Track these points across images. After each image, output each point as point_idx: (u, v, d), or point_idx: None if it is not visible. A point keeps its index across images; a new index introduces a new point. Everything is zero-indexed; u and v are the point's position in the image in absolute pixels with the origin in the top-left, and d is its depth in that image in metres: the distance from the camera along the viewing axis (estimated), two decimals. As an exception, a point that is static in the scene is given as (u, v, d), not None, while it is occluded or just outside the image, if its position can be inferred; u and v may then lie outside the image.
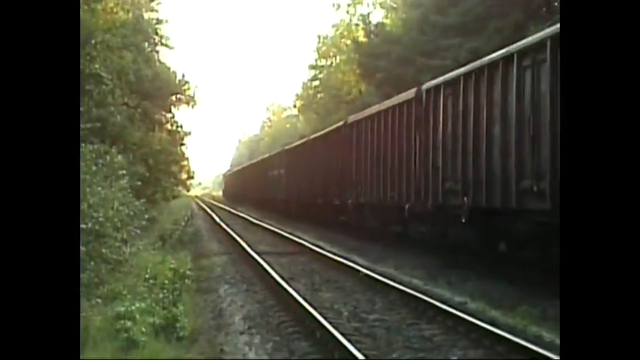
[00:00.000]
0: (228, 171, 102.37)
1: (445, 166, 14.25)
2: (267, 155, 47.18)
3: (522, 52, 11.32)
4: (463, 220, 13.21)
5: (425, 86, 15.91)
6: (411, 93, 16.95)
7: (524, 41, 11.69)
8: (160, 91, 28.07)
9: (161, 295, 9.75)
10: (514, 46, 11.77)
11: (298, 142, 34.71)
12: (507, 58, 11.76)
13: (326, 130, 28.01)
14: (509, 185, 11.51)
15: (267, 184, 42.13)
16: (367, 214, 20.67)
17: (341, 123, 24.88)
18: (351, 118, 23.24)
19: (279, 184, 37.41)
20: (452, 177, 13.93)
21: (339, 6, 47.58)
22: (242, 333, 8.73)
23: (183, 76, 31.76)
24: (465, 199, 13.13)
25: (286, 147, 37.72)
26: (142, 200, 17.01)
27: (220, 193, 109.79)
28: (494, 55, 12.47)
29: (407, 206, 16.45)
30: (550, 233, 10.08)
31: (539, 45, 10.75)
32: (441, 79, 14.98)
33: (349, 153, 22.28)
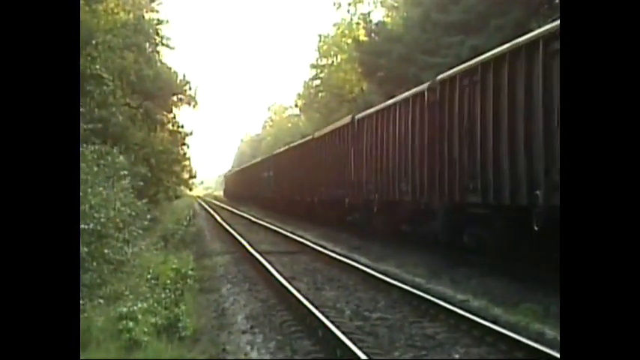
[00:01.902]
0: (229, 172, 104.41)
1: (367, 172, 20.13)
2: (259, 159, 54.95)
3: (407, 100, 16.79)
4: (375, 210, 19.19)
5: (357, 116, 22.24)
6: (348, 119, 23.51)
7: (406, 93, 17.10)
8: (161, 92, 28.05)
9: (163, 295, 9.76)
10: (406, 94, 17.11)
11: (281, 149, 40.81)
12: (400, 103, 17.39)
13: (300, 141, 34.33)
14: (395, 185, 17.46)
15: (261, 184, 48.20)
16: (328, 208, 26.28)
17: (310, 137, 30.91)
18: (317, 134, 29.57)
19: (270, 184, 43.10)
20: (370, 180, 19.80)
21: (339, 5, 47.48)
22: (244, 332, 8.74)
23: (184, 76, 31.76)
24: (376, 195, 18.96)
25: (274, 153, 43.48)
26: (144, 200, 16.98)
27: (221, 192, 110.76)
28: (391, 101, 18.39)
29: (346, 200, 22.48)
30: (416, 215, 16.39)
31: (415, 94, 16.29)
32: (365, 112, 21.34)
33: (315, 160, 28.35)
